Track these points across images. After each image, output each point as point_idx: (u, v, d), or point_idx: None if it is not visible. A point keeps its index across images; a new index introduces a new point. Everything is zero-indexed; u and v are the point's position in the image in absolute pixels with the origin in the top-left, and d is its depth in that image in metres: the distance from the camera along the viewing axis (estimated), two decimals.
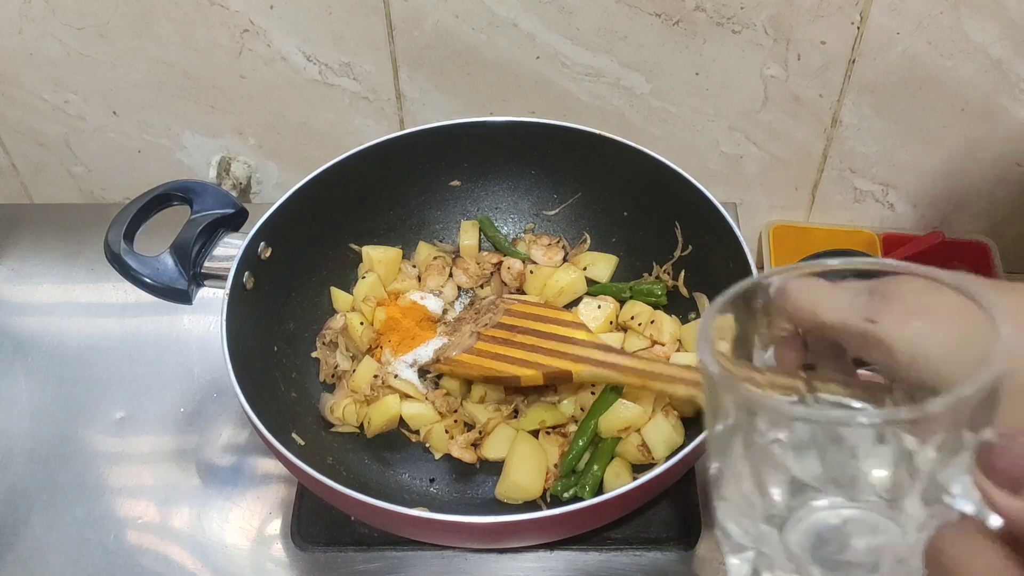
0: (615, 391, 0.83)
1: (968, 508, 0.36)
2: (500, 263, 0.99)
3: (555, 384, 0.85)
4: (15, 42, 1.12)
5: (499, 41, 1.10)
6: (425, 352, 0.90)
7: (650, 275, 0.96)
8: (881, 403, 0.46)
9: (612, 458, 0.83)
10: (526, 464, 0.82)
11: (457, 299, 0.98)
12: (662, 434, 0.82)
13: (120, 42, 1.12)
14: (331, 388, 0.92)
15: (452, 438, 0.85)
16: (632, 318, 0.91)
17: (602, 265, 0.98)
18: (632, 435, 0.82)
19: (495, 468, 0.86)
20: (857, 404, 0.46)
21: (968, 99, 1.12)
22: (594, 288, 0.97)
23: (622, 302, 0.95)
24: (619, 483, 0.80)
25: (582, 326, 0.82)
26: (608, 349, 0.78)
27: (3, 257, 1.12)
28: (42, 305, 1.07)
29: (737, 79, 1.12)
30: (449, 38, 1.10)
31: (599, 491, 0.81)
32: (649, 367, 0.74)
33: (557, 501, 0.81)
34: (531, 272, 0.97)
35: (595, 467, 0.82)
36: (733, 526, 0.40)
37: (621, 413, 0.82)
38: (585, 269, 0.97)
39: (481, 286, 0.99)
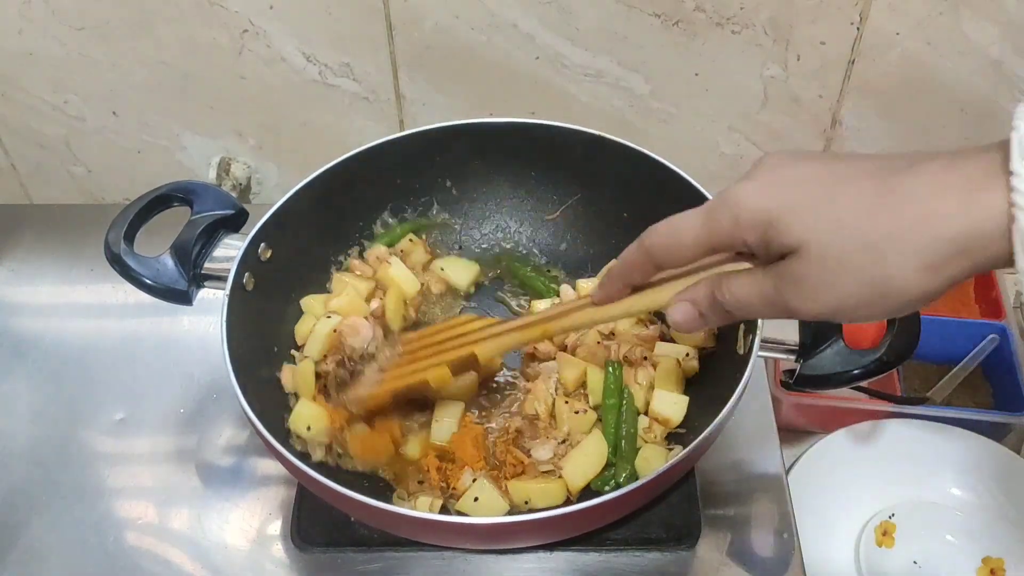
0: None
1: None
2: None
3: (467, 373, 0.85)
4: (15, 42, 1.13)
5: (499, 42, 1.10)
6: None
7: None
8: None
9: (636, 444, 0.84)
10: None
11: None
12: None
13: (120, 43, 1.12)
14: None
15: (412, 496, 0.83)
16: None
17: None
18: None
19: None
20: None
21: (968, 99, 1.12)
22: None
23: None
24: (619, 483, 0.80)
25: (474, 318, 0.83)
26: (502, 321, 0.79)
27: (3, 258, 1.12)
28: (42, 306, 1.07)
29: (737, 80, 1.12)
30: (449, 39, 1.10)
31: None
32: (541, 315, 0.74)
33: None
34: None
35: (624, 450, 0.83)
36: None
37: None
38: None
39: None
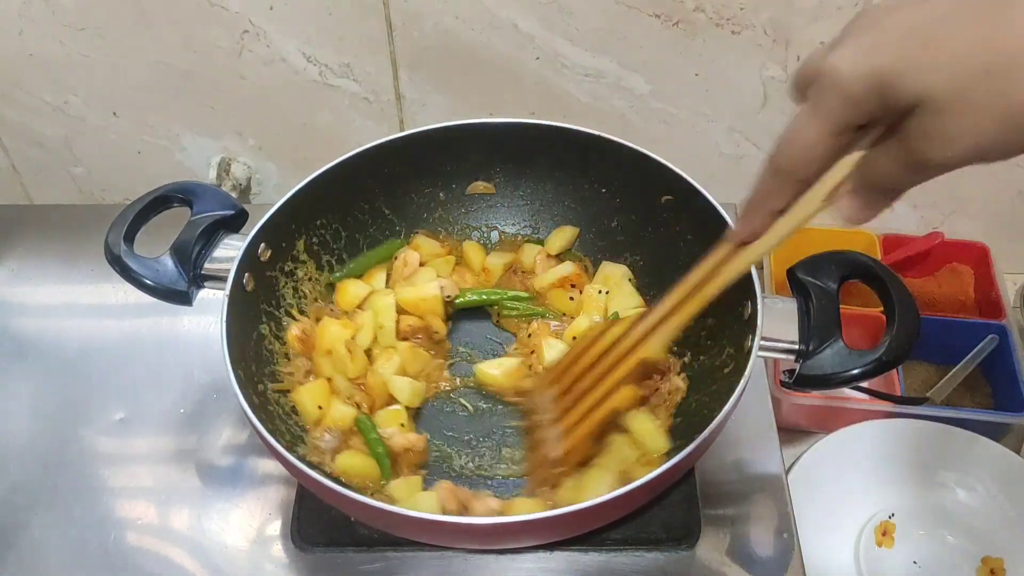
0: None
1: None
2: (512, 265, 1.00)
3: (644, 376, 0.82)
4: (15, 43, 1.13)
5: (499, 42, 1.10)
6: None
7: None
8: None
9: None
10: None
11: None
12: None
13: (120, 43, 1.12)
14: None
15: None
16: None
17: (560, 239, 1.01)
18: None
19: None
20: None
21: None
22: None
23: None
24: (619, 484, 0.80)
25: (611, 323, 0.80)
26: (644, 315, 0.76)
27: (3, 258, 1.12)
28: (42, 306, 1.07)
29: (737, 80, 1.12)
30: (449, 39, 1.10)
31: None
32: (691, 284, 0.71)
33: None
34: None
35: None
36: None
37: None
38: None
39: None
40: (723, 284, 0.69)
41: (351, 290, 0.95)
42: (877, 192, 0.56)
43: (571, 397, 0.80)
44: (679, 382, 0.88)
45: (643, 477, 0.70)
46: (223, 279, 0.82)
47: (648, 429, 0.83)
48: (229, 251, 0.84)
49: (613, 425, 0.81)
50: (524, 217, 1.03)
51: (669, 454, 0.81)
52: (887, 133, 0.53)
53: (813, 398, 1.13)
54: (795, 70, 0.55)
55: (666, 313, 0.74)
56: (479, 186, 1.00)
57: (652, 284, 0.97)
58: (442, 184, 1.01)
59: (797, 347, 0.77)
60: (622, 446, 0.82)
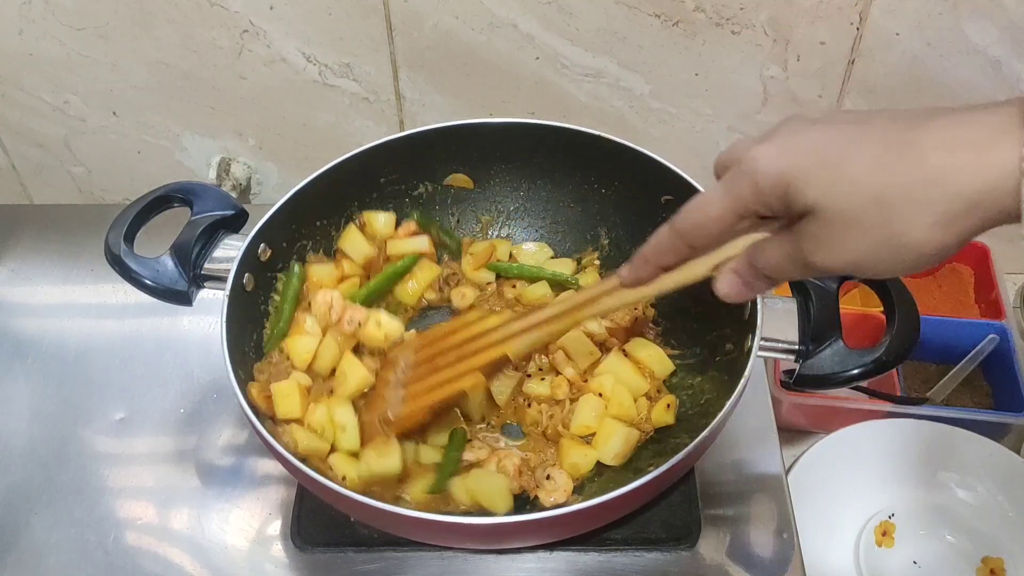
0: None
1: None
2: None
3: (495, 375, 0.85)
4: (15, 43, 1.13)
5: (499, 42, 1.10)
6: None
7: None
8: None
9: None
10: None
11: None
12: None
13: (120, 43, 1.12)
14: None
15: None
16: None
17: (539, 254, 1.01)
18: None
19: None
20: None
21: (968, 99, 1.11)
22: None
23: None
24: (619, 483, 0.80)
25: (486, 314, 0.83)
26: (522, 315, 0.79)
27: (3, 258, 1.12)
28: (42, 306, 1.07)
29: (737, 80, 1.12)
30: (449, 39, 1.10)
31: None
32: (569, 303, 0.75)
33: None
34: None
35: None
36: None
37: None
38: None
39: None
40: (597, 312, 0.73)
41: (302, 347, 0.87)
42: (758, 278, 0.60)
43: (427, 368, 0.82)
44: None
45: (643, 478, 0.70)
46: (223, 279, 0.82)
47: (653, 354, 0.88)
48: (229, 251, 0.84)
49: (450, 406, 0.84)
50: (523, 218, 1.03)
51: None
52: (783, 229, 0.57)
53: (813, 398, 1.13)
54: (721, 152, 0.60)
55: (539, 322, 0.77)
56: (459, 178, 1.00)
57: None
58: (442, 184, 1.01)
59: (797, 347, 0.77)
60: (630, 378, 0.86)
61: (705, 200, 0.59)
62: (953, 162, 0.48)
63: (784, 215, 0.56)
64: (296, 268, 0.91)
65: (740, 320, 0.80)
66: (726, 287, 0.62)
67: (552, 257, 1.01)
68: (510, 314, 0.80)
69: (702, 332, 0.88)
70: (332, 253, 0.96)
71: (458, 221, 1.03)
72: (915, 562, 1.06)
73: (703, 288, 0.84)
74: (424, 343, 0.85)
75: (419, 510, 0.70)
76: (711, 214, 0.58)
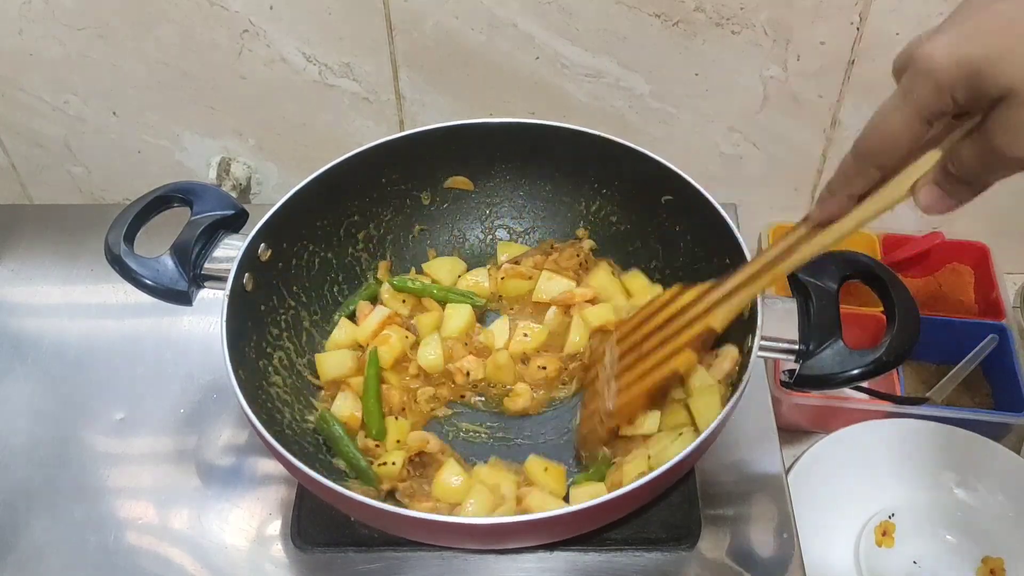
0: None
1: None
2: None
3: (705, 345, 0.81)
4: (15, 43, 1.13)
5: (499, 42, 1.10)
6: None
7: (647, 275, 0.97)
8: None
9: None
10: None
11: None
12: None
13: (120, 43, 1.12)
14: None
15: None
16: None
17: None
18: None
19: None
20: None
21: None
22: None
23: None
24: (619, 483, 0.80)
25: (678, 291, 0.80)
26: (717, 285, 0.76)
27: (3, 258, 1.12)
28: (42, 306, 1.07)
29: (736, 80, 1.12)
30: (449, 39, 1.10)
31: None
32: (765, 261, 0.71)
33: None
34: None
35: None
36: None
37: None
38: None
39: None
40: (797, 264, 0.68)
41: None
42: (959, 184, 0.56)
43: (633, 356, 0.81)
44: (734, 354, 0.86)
45: (643, 479, 0.70)
46: (223, 279, 0.82)
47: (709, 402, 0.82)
48: (229, 251, 0.84)
49: (668, 389, 0.82)
50: (524, 218, 1.03)
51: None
52: (977, 126, 0.53)
53: (813, 398, 1.13)
54: (898, 53, 0.55)
55: (736, 286, 0.74)
56: (458, 180, 1.00)
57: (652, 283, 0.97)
58: (442, 184, 1.01)
59: (797, 347, 0.77)
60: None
61: (884, 112, 0.54)
62: None
63: (975, 109, 0.52)
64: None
65: (740, 320, 0.80)
66: (926, 198, 0.57)
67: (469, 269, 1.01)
68: (706, 285, 0.77)
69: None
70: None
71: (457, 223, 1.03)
72: (915, 562, 1.06)
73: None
74: (625, 332, 0.84)
75: None
76: (894, 126, 0.54)
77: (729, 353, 0.82)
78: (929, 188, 0.57)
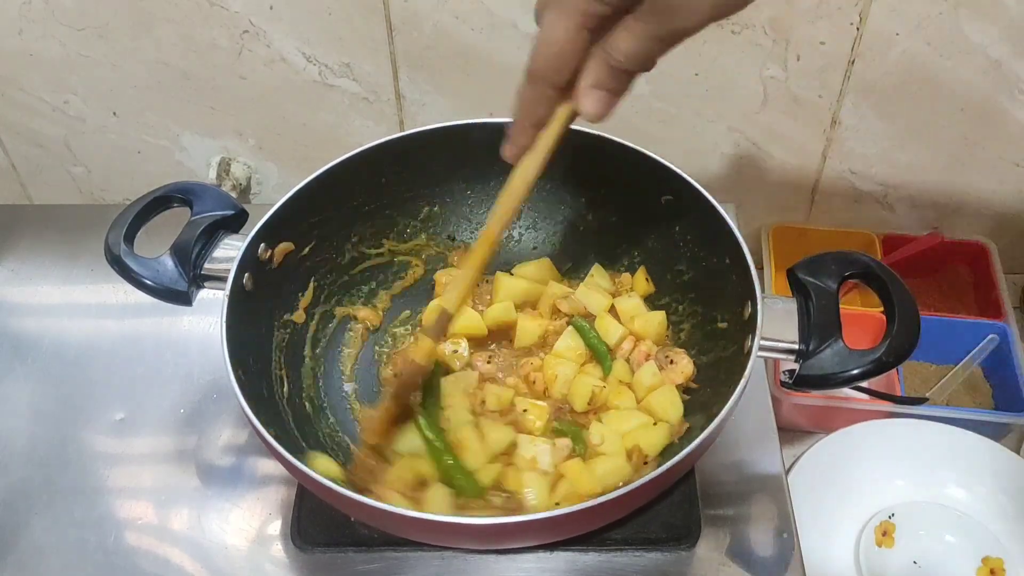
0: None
1: None
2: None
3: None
4: (15, 43, 1.13)
5: (499, 42, 1.10)
6: None
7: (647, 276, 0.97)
8: None
9: None
10: None
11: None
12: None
13: (120, 43, 1.12)
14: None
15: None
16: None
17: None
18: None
19: None
20: None
21: (968, 100, 1.12)
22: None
23: None
24: (619, 483, 0.80)
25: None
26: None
27: (3, 258, 1.12)
28: (42, 306, 1.07)
29: (737, 80, 1.12)
30: (449, 39, 1.10)
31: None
32: (480, 235, 0.73)
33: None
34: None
35: None
36: None
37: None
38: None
39: None
40: (506, 212, 0.71)
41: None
42: (620, 75, 0.57)
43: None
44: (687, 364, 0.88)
45: (643, 479, 0.70)
46: (223, 279, 0.82)
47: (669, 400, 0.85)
48: (229, 251, 0.84)
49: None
50: (524, 217, 1.03)
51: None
52: (629, 14, 0.54)
53: (813, 398, 1.13)
54: None
55: (464, 265, 0.75)
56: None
57: (652, 284, 0.97)
58: (442, 184, 1.01)
59: (797, 347, 0.77)
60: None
61: (546, 31, 0.56)
62: None
63: (627, 3, 0.53)
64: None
65: (740, 320, 0.80)
66: (591, 104, 0.58)
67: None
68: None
69: (702, 331, 0.88)
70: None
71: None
72: (915, 562, 1.06)
73: (705, 287, 0.84)
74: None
75: None
76: (557, 41, 0.55)
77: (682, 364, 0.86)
78: (590, 93, 0.58)
